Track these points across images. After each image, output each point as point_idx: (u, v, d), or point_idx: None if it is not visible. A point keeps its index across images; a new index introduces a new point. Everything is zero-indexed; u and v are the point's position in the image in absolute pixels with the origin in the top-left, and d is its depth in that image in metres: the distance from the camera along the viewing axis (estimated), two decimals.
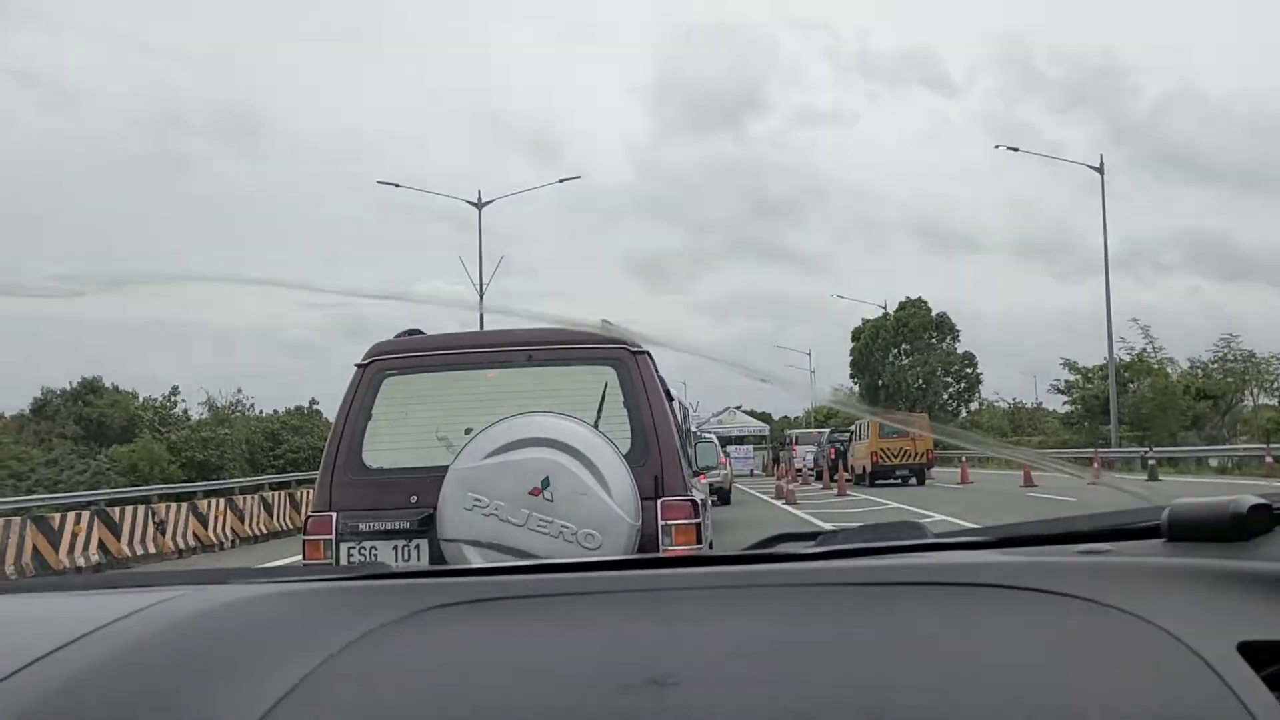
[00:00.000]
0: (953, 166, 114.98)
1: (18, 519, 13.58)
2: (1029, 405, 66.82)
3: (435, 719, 0.73)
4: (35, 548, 13.26)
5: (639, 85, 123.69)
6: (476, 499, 4.21)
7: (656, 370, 5.12)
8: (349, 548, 4.53)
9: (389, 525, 4.51)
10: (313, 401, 56.10)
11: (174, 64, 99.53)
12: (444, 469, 4.34)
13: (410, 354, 4.95)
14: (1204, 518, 0.90)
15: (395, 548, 4.52)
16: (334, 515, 4.56)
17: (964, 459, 39.24)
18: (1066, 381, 46.66)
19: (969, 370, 63.81)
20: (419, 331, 5.30)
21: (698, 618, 0.85)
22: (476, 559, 4.21)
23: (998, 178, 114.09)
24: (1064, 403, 49.92)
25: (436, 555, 4.37)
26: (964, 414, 64.91)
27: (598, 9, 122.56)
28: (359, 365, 4.89)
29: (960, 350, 64.16)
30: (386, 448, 4.74)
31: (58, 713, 0.72)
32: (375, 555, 4.51)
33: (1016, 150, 43.90)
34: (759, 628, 0.82)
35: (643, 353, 4.86)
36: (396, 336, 5.18)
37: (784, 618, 0.83)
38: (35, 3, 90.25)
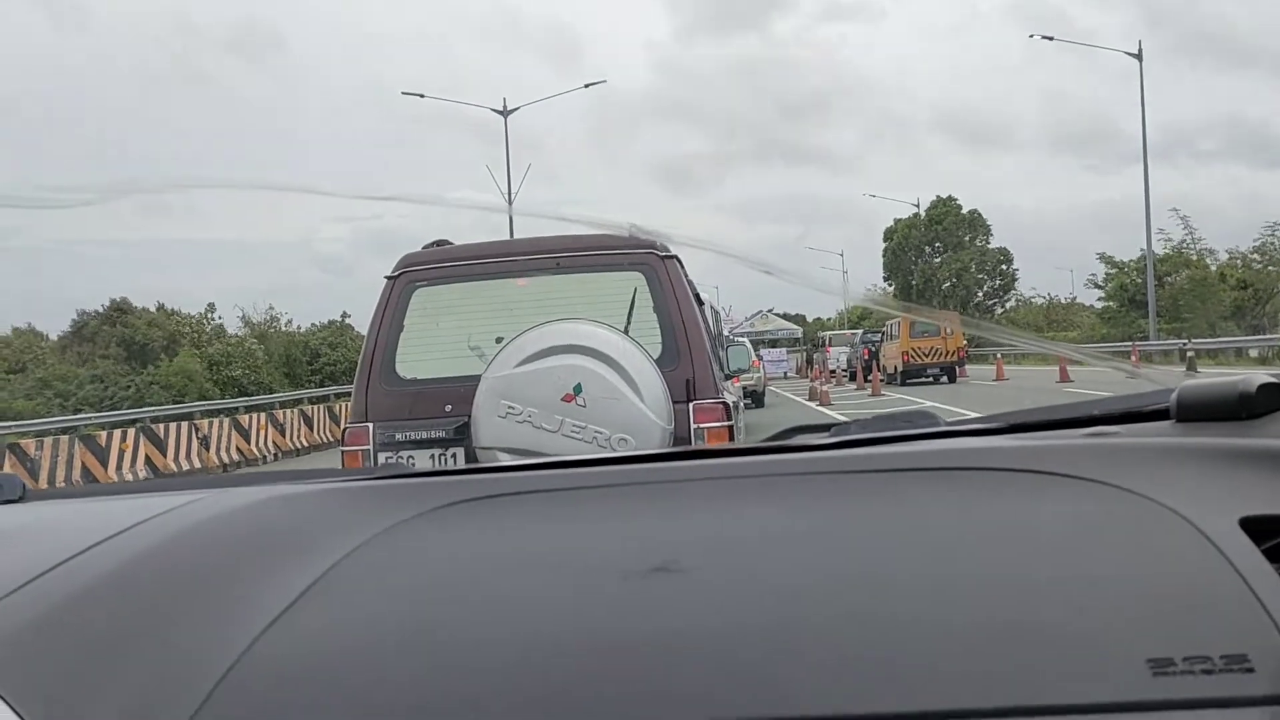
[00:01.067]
0: (983, 60, 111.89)
1: (66, 437, 13.91)
2: (1065, 300, 66.17)
3: (450, 609, 0.76)
4: (84, 465, 13.61)
5: None
6: (510, 406, 4.26)
7: (686, 274, 5.11)
8: (386, 458, 4.61)
9: (425, 434, 4.59)
10: (344, 315, 56.60)
11: None
12: (477, 378, 4.38)
13: (439, 264, 4.97)
14: (1212, 398, 0.91)
15: (432, 456, 4.60)
16: (370, 426, 4.64)
17: (999, 356, 39.03)
18: (1106, 275, 46.03)
19: (1004, 267, 63.06)
20: (447, 242, 5.30)
21: (707, 508, 0.87)
22: None
23: (1029, 69, 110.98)
24: (1098, 298, 49.37)
25: (473, 464, 4.45)
26: (1000, 311, 64.36)
27: None
28: (389, 277, 4.91)
29: (994, 247, 63.30)
30: (419, 358, 4.79)
31: (82, 613, 0.75)
32: (413, 465, 4.60)
33: (1052, 39, 42.71)
34: (768, 516, 0.84)
35: (671, 257, 4.85)
36: (424, 248, 5.19)
37: (794, 506, 0.85)
38: None
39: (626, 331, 4.53)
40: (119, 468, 14.12)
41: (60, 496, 1.19)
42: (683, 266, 5.06)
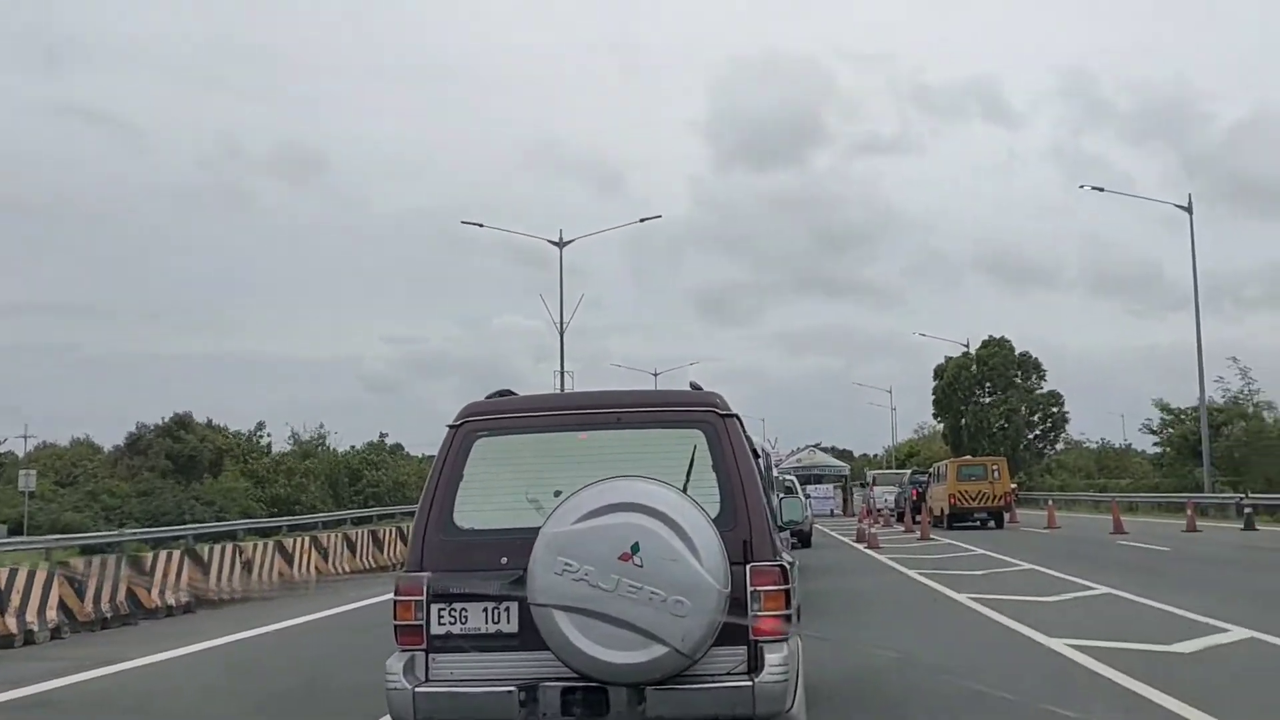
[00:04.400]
0: (1022, 199, 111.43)
1: (113, 557, 13.97)
2: (1117, 446, 65.05)
3: None
4: (129, 588, 13.57)
5: (697, 118, 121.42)
6: (567, 564, 4.21)
7: (745, 432, 5.09)
8: (439, 609, 4.55)
9: (479, 587, 4.53)
10: (383, 435, 57.21)
11: (237, 101, 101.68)
12: (534, 531, 4.34)
13: (502, 415, 4.99)
14: None
15: (485, 610, 4.53)
16: (425, 576, 4.59)
17: (1050, 502, 38.22)
18: (1162, 420, 45.36)
19: (1054, 410, 62.35)
20: (511, 392, 5.34)
21: None
22: (566, 623, 4.21)
23: (1069, 211, 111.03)
24: (1154, 444, 48.54)
25: (526, 619, 4.38)
26: (1049, 454, 63.41)
27: (652, 45, 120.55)
28: (451, 426, 4.93)
29: (1045, 390, 62.77)
30: (478, 509, 4.75)
31: None
32: (466, 618, 4.53)
33: (1102, 190, 43.23)
34: None
35: (732, 416, 4.85)
36: (488, 397, 5.23)
37: None
38: (102, 40, 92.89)
39: (685, 490, 4.50)
40: (162, 591, 14.08)
41: None
42: (742, 424, 5.05)
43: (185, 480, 43.60)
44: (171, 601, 14.18)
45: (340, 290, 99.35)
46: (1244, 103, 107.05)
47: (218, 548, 16.29)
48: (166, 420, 49.47)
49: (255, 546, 17.40)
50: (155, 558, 14.64)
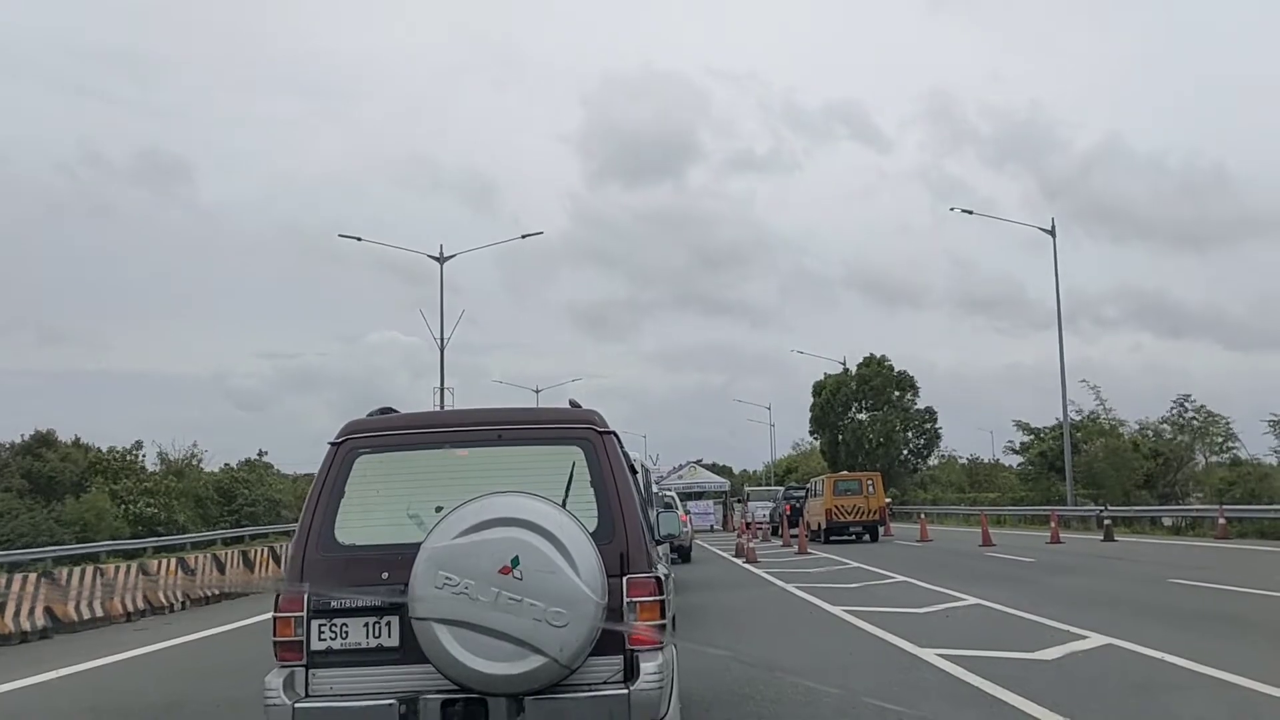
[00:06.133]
0: (891, 220, 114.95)
1: None
2: (987, 461, 67.47)
3: None
4: None
5: (570, 133, 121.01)
6: (447, 578, 4.26)
7: (623, 448, 5.22)
8: (320, 625, 4.55)
9: (360, 602, 4.55)
10: (261, 453, 55.64)
11: (98, 107, 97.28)
12: (416, 546, 4.39)
13: (383, 433, 5.02)
14: None
15: (366, 625, 4.55)
16: (305, 591, 4.59)
17: (923, 516, 39.45)
18: (1021, 443, 47.32)
19: (928, 426, 64.25)
20: (393, 410, 5.37)
21: None
22: (446, 636, 4.26)
23: (935, 232, 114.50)
24: (1018, 463, 50.58)
25: (407, 633, 4.41)
26: (923, 469, 65.31)
27: (525, 58, 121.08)
28: (332, 443, 4.95)
29: (920, 406, 64.64)
30: (359, 524, 4.78)
31: None
32: (346, 633, 4.54)
33: (971, 213, 44.86)
34: None
35: (609, 433, 4.98)
36: (370, 415, 5.25)
37: None
38: None
39: (564, 505, 4.60)
40: (16, 616, 13.44)
41: None
42: (620, 441, 5.18)
43: (46, 501, 41.59)
44: (26, 627, 13.55)
45: (210, 304, 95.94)
46: (1097, 130, 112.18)
47: (77, 570, 15.64)
48: (26, 438, 47.12)
49: (117, 568, 16.76)
50: (9, 581, 13.99)
